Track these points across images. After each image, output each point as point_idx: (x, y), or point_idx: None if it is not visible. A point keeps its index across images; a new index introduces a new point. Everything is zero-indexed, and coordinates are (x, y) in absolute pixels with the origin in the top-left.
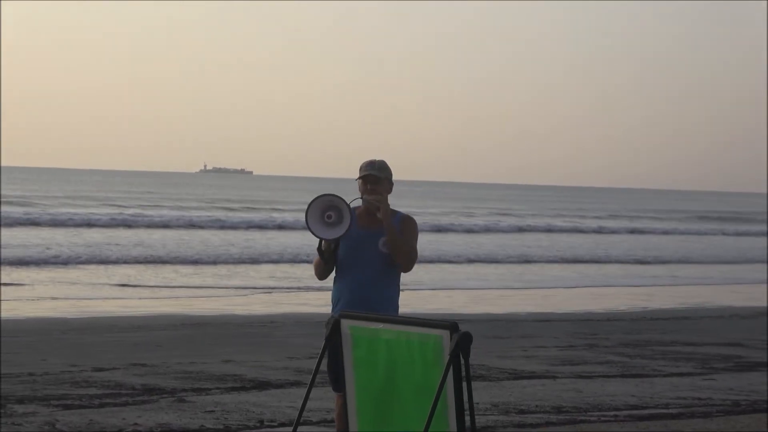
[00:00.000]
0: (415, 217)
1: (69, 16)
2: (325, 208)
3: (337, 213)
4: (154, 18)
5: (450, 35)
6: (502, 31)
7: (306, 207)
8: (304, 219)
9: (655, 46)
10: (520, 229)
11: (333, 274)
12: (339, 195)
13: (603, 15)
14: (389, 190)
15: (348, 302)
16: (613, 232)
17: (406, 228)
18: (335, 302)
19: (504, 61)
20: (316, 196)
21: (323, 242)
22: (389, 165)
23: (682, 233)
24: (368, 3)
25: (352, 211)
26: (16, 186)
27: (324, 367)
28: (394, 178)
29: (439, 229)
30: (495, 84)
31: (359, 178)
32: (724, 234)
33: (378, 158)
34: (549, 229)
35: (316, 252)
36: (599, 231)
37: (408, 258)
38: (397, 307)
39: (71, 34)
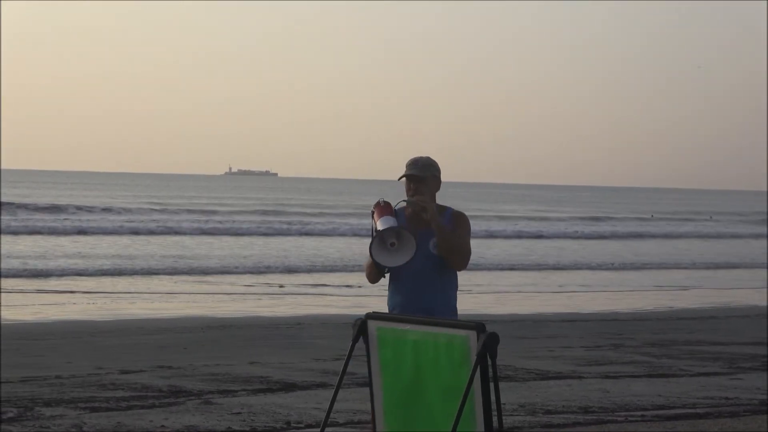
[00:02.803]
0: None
1: (93, 19)
2: (389, 235)
3: (399, 241)
4: (176, 24)
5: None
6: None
7: (371, 239)
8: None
9: None
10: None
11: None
12: (409, 200)
13: None
14: (436, 188)
15: (403, 306)
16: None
17: (458, 224)
18: (391, 308)
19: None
20: (381, 228)
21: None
22: (435, 161)
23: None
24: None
25: (415, 235)
26: (67, 191)
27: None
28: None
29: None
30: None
31: (402, 177)
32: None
33: (423, 155)
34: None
35: (368, 255)
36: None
37: (460, 256)
38: (454, 308)
39: (94, 36)
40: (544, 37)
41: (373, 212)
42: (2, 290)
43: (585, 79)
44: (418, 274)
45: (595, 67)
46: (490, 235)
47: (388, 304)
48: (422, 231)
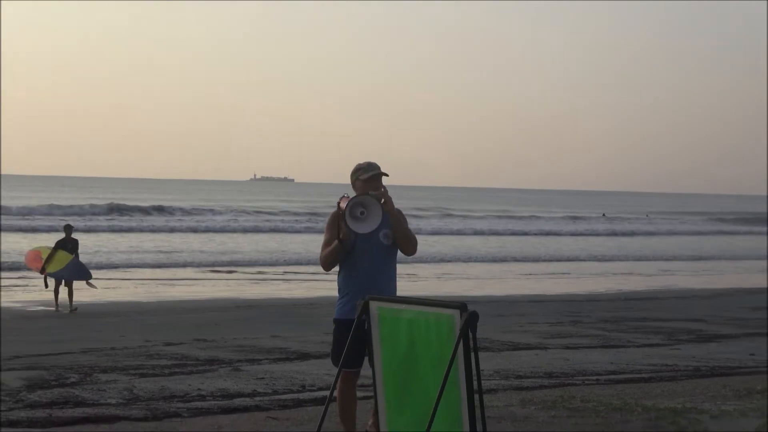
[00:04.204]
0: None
1: (143, 52)
2: (356, 206)
3: (366, 209)
4: (214, 55)
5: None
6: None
7: (345, 206)
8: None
9: None
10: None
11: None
12: (371, 194)
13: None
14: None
15: (359, 290)
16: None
17: (401, 218)
18: (345, 291)
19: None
20: (345, 197)
21: (342, 234)
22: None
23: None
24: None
25: (382, 207)
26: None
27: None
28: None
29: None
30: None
31: (368, 177)
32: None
33: (371, 161)
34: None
35: (324, 246)
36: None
37: (412, 243)
38: (396, 291)
39: (141, 52)
40: (543, 45)
41: (338, 204)
42: None
43: (580, 84)
44: (373, 262)
45: (592, 71)
46: (459, 232)
47: (341, 290)
48: None
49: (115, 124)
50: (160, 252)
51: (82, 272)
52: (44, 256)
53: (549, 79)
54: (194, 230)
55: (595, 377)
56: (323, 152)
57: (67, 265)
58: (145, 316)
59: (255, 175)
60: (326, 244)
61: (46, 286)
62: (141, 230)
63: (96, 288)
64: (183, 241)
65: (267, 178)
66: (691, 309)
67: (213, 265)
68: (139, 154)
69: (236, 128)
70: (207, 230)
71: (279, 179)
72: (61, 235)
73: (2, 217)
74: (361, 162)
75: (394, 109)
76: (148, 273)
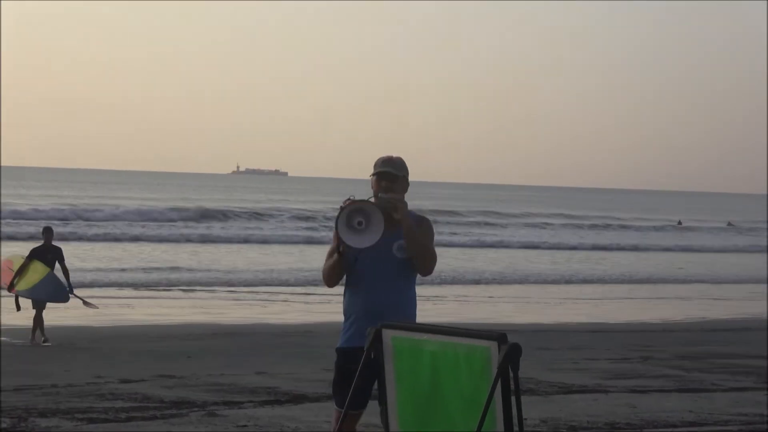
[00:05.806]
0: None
1: (98, 17)
2: (354, 214)
3: (366, 219)
4: (181, 20)
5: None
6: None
7: (336, 220)
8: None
9: None
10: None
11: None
12: (372, 202)
13: None
14: (405, 189)
15: (363, 313)
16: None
17: (422, 229)
18: (349, 313)
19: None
20: (349, 201)
21: (342, 245)
22: (406, 163)
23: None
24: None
25: (382, 219)
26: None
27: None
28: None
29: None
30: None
31: (374, 174)
32: None
33: (396, 155)
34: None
35: (327, 257)
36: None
37: (429, 260)
38: (414, 315)
39: (95, 26)
40: (540, 36)
41: (342, 208)
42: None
43: (577, 81)
44: (380, 278)
45: (589, 67)
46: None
47: (345, 311)
48: (388, 232)
49: (57, 105)
50: (116, 265)
51: (58, 292)
52: (15, 268)
53: (548, 70)
54: (161, 238)
55: (669, 429)
56: (323, 141)
57: (40, 281)
58: (97, 344)
59: (238, 168)
60: (329, 254)
61: (18, 308)
62: (92, 238)
63: (96, 308)
64: (146, 250)
65: (253, 171)
66: None
67: (185, 282)
68: (83, 141)
69: (213, 110)
70: (178, 239)
71: (269, 172)
72: (39, 242)
73: None
74: (384, 155)
75: (400, 96)
76: (100, 291)
